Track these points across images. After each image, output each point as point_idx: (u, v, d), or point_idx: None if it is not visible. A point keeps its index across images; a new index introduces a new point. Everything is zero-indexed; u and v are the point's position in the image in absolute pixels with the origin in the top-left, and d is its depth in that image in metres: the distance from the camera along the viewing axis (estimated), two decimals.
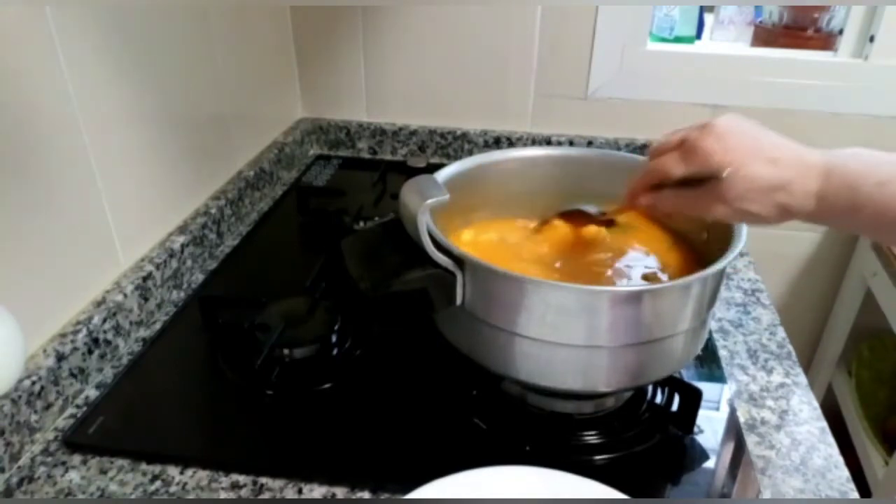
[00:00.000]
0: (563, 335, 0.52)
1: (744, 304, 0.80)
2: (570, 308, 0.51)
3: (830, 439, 0.61)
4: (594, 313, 0.51)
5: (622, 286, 0.59)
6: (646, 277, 0.61)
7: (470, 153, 1.16)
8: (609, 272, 0.62)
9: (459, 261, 0.53)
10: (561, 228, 0.67)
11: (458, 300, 0.54)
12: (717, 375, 0.67)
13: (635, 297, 0.52)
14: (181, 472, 0.56)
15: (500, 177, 0.70)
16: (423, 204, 0.50)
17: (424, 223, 0.51)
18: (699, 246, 0.63)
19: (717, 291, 0.57)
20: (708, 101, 1.08)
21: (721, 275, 0.56)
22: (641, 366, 0.55)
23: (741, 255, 0.83)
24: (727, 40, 1.33)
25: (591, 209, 0.65)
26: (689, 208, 0.52)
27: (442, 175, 0.64)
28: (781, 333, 0.75)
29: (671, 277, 0.61)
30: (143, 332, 0.73)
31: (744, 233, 0.55)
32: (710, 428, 0.60)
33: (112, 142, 0.70)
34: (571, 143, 1.12)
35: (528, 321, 0.52)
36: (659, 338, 0.53)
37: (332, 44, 1.13)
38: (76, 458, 0.57)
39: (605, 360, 0.53)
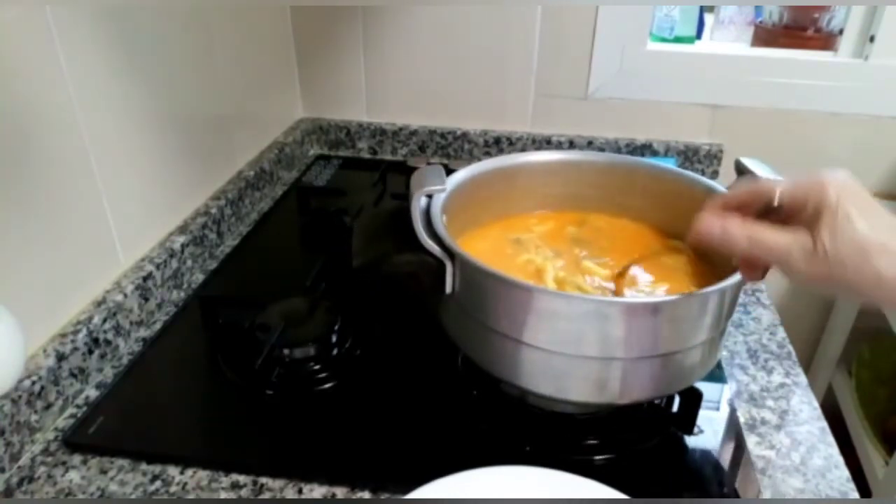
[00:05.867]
0: (569, 344, 0.51)
1: (744, 304, 0.80)
2: (569, 315, 0.50)
3: (830, 439, 0.61)
4: (607, 323, 0.50)
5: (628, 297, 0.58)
6: (619, 275, 0.59)
7: (470, 153, 1.16)
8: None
9: (450, 252, 0.53)
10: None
11: (449, 289, 0.55)
12: (717, 375, 0.67)
13: (654, 308, 0.51)
14: (181, 472, 0.56)
15: (519, 178, 0.70)
16: (419, 191, 0.54)
17: (417, 209, 0.53)
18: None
19: (735, 301, 0.56)
20: (708, 101, 1.08)
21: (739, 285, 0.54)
22: (661, 377, 0.53)
23: None
24: (727, 40, 1.33)
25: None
26: (771, 238, 0.43)
27: (459, 175, 0.64)
28: (781, 333, 0.75)
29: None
30: (144, 332, 0.73)
31: None
32: (710, 428, 0.61)
33: (112, 142, 0.70)
34: (571, 143, 1.12)
35: (511, 320, 0.52)
36: (671, 352, 0.52)
37: (332, 44, 1.13)
38: (76, 458, 0.57)
39: (619, 371, 0.52)
